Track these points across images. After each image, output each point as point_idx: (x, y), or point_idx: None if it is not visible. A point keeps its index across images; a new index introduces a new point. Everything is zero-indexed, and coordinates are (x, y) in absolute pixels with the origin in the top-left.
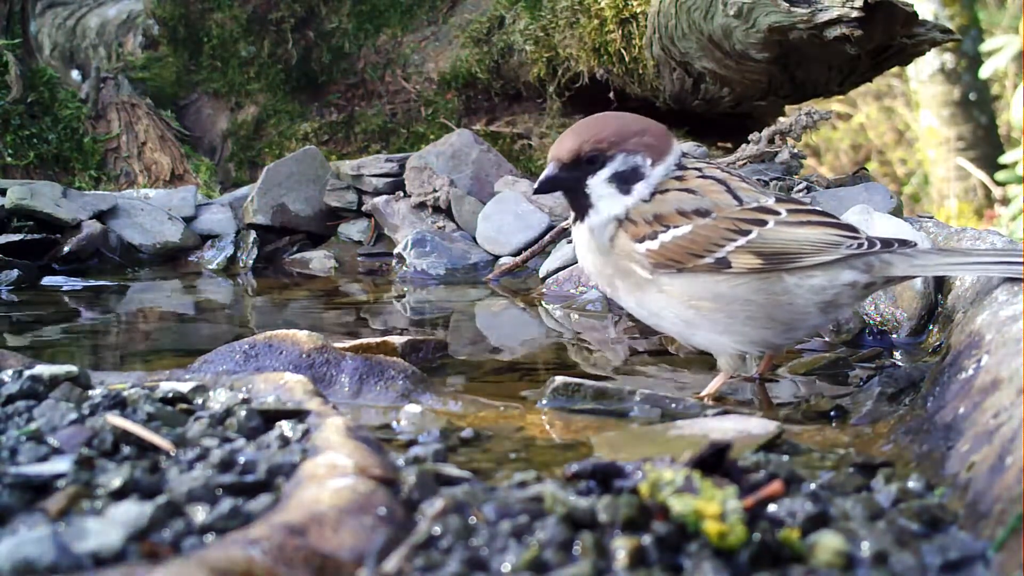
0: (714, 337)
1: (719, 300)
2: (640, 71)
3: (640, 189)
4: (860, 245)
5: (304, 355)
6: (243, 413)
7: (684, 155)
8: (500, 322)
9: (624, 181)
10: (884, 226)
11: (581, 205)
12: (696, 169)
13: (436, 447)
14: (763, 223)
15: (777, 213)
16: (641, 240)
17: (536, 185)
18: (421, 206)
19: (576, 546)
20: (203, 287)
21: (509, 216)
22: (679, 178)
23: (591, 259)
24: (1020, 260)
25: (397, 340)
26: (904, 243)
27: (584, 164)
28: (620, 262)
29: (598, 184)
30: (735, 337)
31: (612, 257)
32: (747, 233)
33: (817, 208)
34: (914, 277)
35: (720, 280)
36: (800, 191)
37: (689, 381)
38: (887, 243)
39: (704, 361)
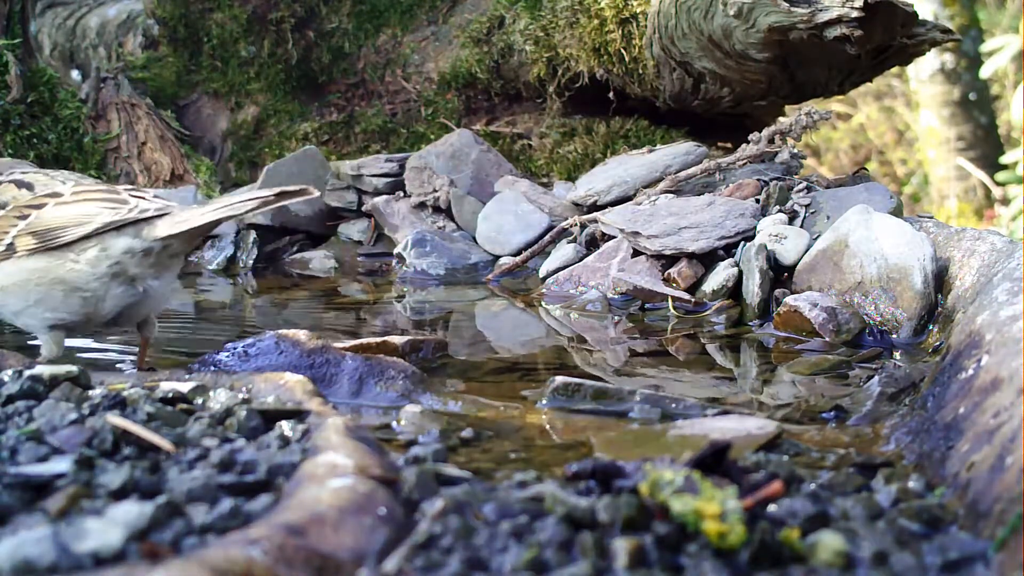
0: (29, 315)
1: (19, 279)
2: (640, 71)
3: None
4: (118, 213)
5: (304, 355)
6: (243, 413)
7: None
8: (500, 322)
9: None
10: (884, 227)
11: None
12: None
13: (436, 447)
14: (43, 206)
15: (61, 195)
16: None
17: None
18: (421, 206)
19: (576, 546)
20: (203, 287)
21: (509, 216)
22: None
23: None
24: (264, 196)
25: (397, 340)
26: (161, 202)
27: None
28: None
29: None
30: (44, 310)
31: None
32: (27, 217)
33: (107, 187)
34: (180, 233)
35: (17, 262)
36: (800, 191)
37: (690, 381)
38: (144, 209)
39: (704, 361)
